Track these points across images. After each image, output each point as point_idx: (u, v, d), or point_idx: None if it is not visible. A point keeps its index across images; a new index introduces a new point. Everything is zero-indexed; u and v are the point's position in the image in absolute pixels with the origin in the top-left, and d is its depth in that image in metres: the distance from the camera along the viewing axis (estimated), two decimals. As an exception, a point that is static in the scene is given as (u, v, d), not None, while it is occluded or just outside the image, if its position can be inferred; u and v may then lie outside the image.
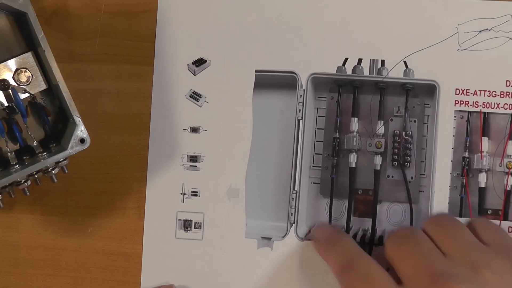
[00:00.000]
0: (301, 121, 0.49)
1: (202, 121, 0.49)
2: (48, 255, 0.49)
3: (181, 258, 0.49)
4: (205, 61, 0.49)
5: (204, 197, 0.49)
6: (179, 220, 0.49)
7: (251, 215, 0.49)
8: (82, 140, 0.42)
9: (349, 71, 0.48)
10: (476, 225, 0.45)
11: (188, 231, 0.49)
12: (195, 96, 0.49)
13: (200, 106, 0.49)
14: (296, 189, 0.49)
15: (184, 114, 0.49)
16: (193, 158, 0.49)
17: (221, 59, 0.49)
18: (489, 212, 0.48)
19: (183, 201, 0.49)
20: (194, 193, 0.49)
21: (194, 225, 0.49)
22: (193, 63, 0.49)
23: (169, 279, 0.49)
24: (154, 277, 0.49)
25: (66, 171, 0.45)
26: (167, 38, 0.49)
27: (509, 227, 0.48)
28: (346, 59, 0.48)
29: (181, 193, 0.49)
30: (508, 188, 0.48)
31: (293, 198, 0.49)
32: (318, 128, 0.49)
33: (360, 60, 0.48)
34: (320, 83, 0.49)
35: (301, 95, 0.49)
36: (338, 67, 0.48)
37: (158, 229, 0.49)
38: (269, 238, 0.49)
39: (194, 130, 0.49)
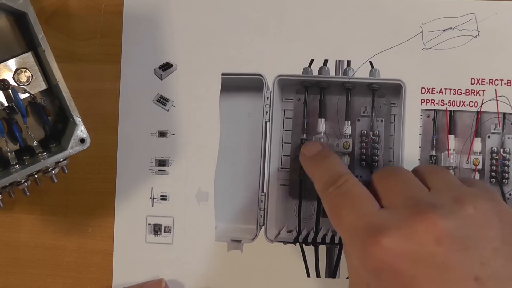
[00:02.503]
0: (268, 123, 0.49)
1: (170, 125, 0.49)
2: (48, 255, 0.49)
3: (151, 263, 0.49)
4: (172, 65, 0.49)
5: (173, 201, 0.49)
6: (148, 224, 0.49)
7: (221, 218, 0.49)
8: (82, 140, 0.42)
9: (315, 72, 0.49)
10: (461, 177, 0.45)
11: (158, 236, 0.49)
12: (162, 101, 0.49)
13: (168, 111, 0.49)
14: (265, 191, 0.49)
15: (152, 119, 0.49)
16: (162, 163, 0.49)
17: (188, 63, 0.49)
18: (457, 210, 0.48)
19: (153, 206, 0.49)
20: (163, 197, 0.49)
21: (164, 229, 0.49)
22: (159, 68, 0.49)
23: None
24: (125, 282, 0.49)
25: (66, 171, 0.45)
26: (133, 42, 0.49)
27: (477, 224, 0.48)
28: (312, 60, 0.49)
29: (150, 198, 0.49)
30: (475, 186, 0.48)
31: (262, 200, 0.49)
32: (285, 130, 0.49)
33: (326, 61, 0.49)
34: (287, 85, 0.49)
35: (268, 97, 0.49)
36: (304, 69, 0.49)
37: (128, 234, 0.49)
38: (239, 241, 0.49)
39: (162, 134, 0.49)
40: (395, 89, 0.48)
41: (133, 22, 0.49)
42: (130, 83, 0.49)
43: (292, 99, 0.49)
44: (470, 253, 0.39)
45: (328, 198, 0.43)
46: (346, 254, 0.43)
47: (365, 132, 0.49)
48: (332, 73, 0.49)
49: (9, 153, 0.43)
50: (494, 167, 0.48)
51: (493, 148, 0.48)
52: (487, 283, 0.38)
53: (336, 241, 0.49)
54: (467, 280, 0.38)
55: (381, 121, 0.49)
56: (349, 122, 0.49)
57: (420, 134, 0.48)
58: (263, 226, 0.49)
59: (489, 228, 0.39)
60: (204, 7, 0.49)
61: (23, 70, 0.43)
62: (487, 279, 0.38)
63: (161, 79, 0.49)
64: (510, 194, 0.48)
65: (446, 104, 0.48)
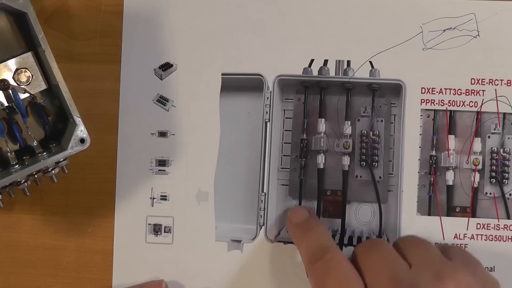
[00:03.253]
0: (268, 123, 0.49)
1: (170, 125, 0.49)
2: (48, 255, 0.50)
3: (151, 263, 0.49)
4: (172, 65, 0.49)
5: (173, 201, 0.49)
6: (149, 224, 0.49)
7: (221, 218, 0.49)
8: (82, 140, 0.42)
9: (315, 73, 0.49)
10: (441, 246, 0.45)
11: (158, 236, 0.49)
12: (162, 101, 0.49)
13: (168, 111, 0.49)
14: (265, 191, 0.49)
15: (152, 119, 0.49)
16: (162, 163, 0.49)
17: (188, 63, 0.49)
18: (457, 210, 0.48)
19: (153, 206, 0.49)
20: (164, 197, 0.49)
21: (164, 229, 0.49)
22: (159, 68, 0.49)
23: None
24: (125, 282, 0.49)
25: (66, 171, 0.45)
26: (133, 42, 0.49)
27: (477, 223, 0.48)
28: (312, 60, 0.49)
29: (150, 198, 0.49)
30: (475, 185, 0.48)
31: (262, 201, 0.49)
32: (285, 130, 0.49)
33: (326, 61, 0.49)
34: (287, 85, 0.49)
35: (268, 97, 0.49)
36: (304, 69, 0.49)
37: (128, 234, 0.49)
38: (239, 241, 0.49)
39: (162, 134, 0.49)
40: (395, 89, 0.48)
41: (133, 22, 0.49)
42: (130, 83, 0.49)
43: (292, 99, 0.49)
44: None
45: (315, 274, 0.43)
46: None
47: (365, 132, 0.49)
48: (332, 73, 0.49)
49: (9, 153, 0.43)
50: (494, 167, 0.48)
51: (493, 148, 0.48)
52: None
53: (336, 240, 0.49)
54: None
55: (381, 121, 0.49)
56: (349, 122, 0.49)
57: (420, 134, 0.48)
58: (263, 226, 0.49)
59: None
60: (204, 7, 0.49)
61: (23, 70, 0.43)
62: None
63: (161, 79, 0.49)
64: (510, 194, 0.48)
65: (446, 104, 0.48)
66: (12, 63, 0.43)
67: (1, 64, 0.43)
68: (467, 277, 0.40)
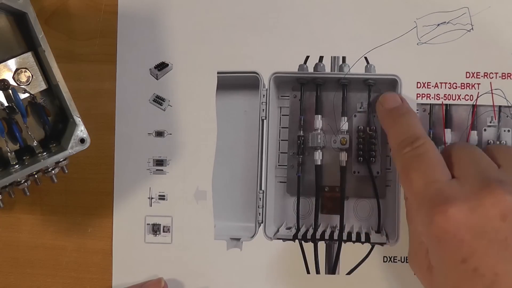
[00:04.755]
0: (265, 120, 0.49)
1: (167, 125, 0.49)
2: (48, 255, 0.49)
3: (151, 262, 0.49)
4: (167, 64, 0.49)
5: (171, 200, 0.49)
6: (147, 224, 0.49)
7: (219, 217, 0.49)
8: (82, 140, 0.42)
9: (310, 69, 0.49)
10: None
11: (157, 235, 0.49)
12: (158, 100, 0.49)
13: (164, 110, 0.49)
14: (263, 189, 0.49)
15: (148, 119, 0.49)
16: (159, 162, 0.49)
17: (183, 62, 0.49)
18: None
19: (151, 205, 0.49)
20: (162, 197, 0.49)
21: (163, 229, 0.49)
22: (155, 67, 0.49)
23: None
24: (125, 282, 0.49)
25: (66, 171, 0.45)
26: (128, 42, 0.49)
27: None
28: (308, 57, 0.49)
29: (149, 198, 0.49)
30: (473, 179, 0.48)
31: (260, 198, 0.49)
32: (282, 127, 0.49)
33: (321, 58, 0.49)
34: (283, 82, 0.49)
35: (264, 95, 0.49)
36: (299, 66, 0.49)
37: (127, 234, 0.49)
38: (238, 239, 0.49)
39: (159, 134, 0.49)
40: (391, 84, 0.49)
41: (128, 22, 0.49)
42: (126, 83, 0.49)
43: (288, 96, 0.49)
44: None
45: (402, 159, 0.43)
46: (409, 219, 0.44)
47: (362, 127, 0.49)
48: (327, 69, 0.49)
49: (9, 153, 0.43)
50: (491, 160, 0.48)
51: (489, 141, 0.48)
52: None
53: (335, 237, 0.49)
54: None
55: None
56: (345, 118, 0.49)
57: (416, 129, 0.48)
58: (261, 224, 0.49)
59: None
60: (199, 6, 0.49)
61: (23, 70, 0.43)
62: None
63: (157, 79, 0.49)
64: None
65: (441, 98, 0.48)
66: (12, 63, 0.43)
67: (1, 64, 0.43)
68: None
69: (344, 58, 0.49)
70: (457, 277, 0.40)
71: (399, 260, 0.48)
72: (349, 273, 0.48)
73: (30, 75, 0.43)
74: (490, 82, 0.48)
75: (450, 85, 0.48)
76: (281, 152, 0.49)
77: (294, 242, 0.49)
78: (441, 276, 0.41)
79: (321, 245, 0.49)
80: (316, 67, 0.49)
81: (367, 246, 0.48)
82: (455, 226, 0.39)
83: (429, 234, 0.41)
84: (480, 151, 0.44)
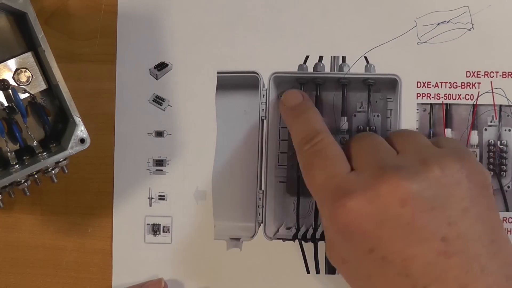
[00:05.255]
0: (265, 120, 0.49)
1: (166, 125, 0.49)
2: (48, 255, 0.49)
3: (151, 263, 0.49)
4: (167, 64, 0.49)
5: (171, 200, 0.49)
6: (147, 224, 0.49)
7: (219, 217, 0.49)
8: (82, 140, 0.42)
9: (310, 69, 0.49)
10: (435, 138, 0.45)
11: (157, 235, 0.49)
12: (158, 100, 0.49)
13: (164, 110, 0.49)
14: (262, 188, 0.49)
15: (148, 119, 0.49)
16: (159, 162, 0.49)
17: (183, 62, 0.49)
18: (456, 203, 0.48)
19: (151, 206, 0.49)
20: (161, 197, 0.49)
21: (163, 229, 0.49)
22: (154, 67, 0.49)
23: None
24: (125, 282, 0.49)
25: (66, 171, 0.45)
26: (128, 42, 0.49)
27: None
28: (307, 57, 0.49)
29: (148, 198, 0.49)
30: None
31: (260, 198, 0.49)
32: (282, 127, 0.49)
33: (321, 58, 0.49)
34: (282, 82, 0.49)
35: (263, 95, 0.49)
36: (299, 65, 0.49)
37: (127, 234, 0.49)
38: (238, 239, 0.49)
39: (159, 134, 0.49)
40: (391, 84, 0.48)
41: (127, 22, 0.49)
42: (126, 83, 0.49)
43: (288, 96, 0.49)
44: (436, 214, 0.39)
45: (303, 156, 0.44)
46: (320, 214, 0.44)
47: (362, 127, 0.49)
48: (327, 69, 0.49)
49: (9, 153, 0.43)
50: (491, 160, 0.48)
51: (490, 141, 0.48)
52: (455, 243, 0.38)
53: (335, 237, 0.49)
54: (433, 241, 0.38)
55: (378, 116, 0.49)
56: (345, 117, 0.49)
57: (416, 128, 0.48)
58: (261, 224, 0.49)
59: (457, 189, 0.40)
60: (198, 6, 0.49)
61: (23, 70, 0.43)
62: (454, 239, 0.38)
63: (157, 79, 0.49)
64: (508, 187, 0.48)
65: (442, 97, 0.48)
66: (12, 63, 0.43)
67: (1, 64, 0.43)
68: (454, 163, 0.40)
69: (343, 58, 0.48)
70: (368, 267, 0.40)
71: (399, 260, 0.48)
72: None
73: (30, 75, 0.43)
74: (491, 81, 0.48)
75: (450, 85, 0.48)
76: (281, 152, 0.49)
77: (294, 242, 0.49)
78: (353, 268, 0.41)
79: (321, 245, 0.49)
80: (315, 67, 0.49)
81: (367, 246, 0.48)
82: (356, 218, 0.39)
83: (333, 229, 0.41)
84: (380, 140, 0.44)
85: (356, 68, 0.48)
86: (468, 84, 0.48)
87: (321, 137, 0.43)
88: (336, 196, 0.40)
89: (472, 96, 0.48)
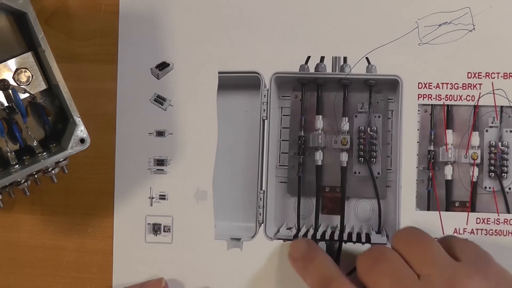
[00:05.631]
0: (266, 120, 0.49)
1: (167, 125, 0.49)
2: (48, 255, 0.50)
3: (151, 262, 0.49)
4: (168, 64, 0.49)
5: (172, 200, 0.49)
6: (148, 224, 0.49)
7: (220, 217, 0.49)
8: (82, 140, 0.42)
9: (312, 69, 0.49)
10: (445, 242, 0.44)
11: (158, 235, 0.49)
12: (159, 100, 0.49)
13: (165, 110, 0.49)
14: (263, 189, 0.49)
15: (149, 118, 0.49)
16: (160, 162, 0.49)
17: (184, 62, 0.49)
18: (456, 205, 0.48)
19: (152, 205, 0.49)
20: (162, 197, 0.49)
21: (163, 229, 0.49)
22: (156, 67, 0.49)
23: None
24: (125, 282, 0.49)
25: (66, 171, 0.45)
26: (129, 42, 0.49)
27: (476, 218, 0.48)
28: (309, 57, 0.49)
29: (149, 197, 0.49)
30: (474, 180, 0.48)
31: (260, 198, 0.49)
32: (283, 127, 0.49)
33: (322, 58, 0.49)
34: (284, 82, 0.49)
35: (265, 95, 0.49)
36: (301, 66, 0.49)
37: (127, 234, 0.49)
38: (239, 239, 0.49)
39: (160, 133, 0.49)
40: (392, 85, 0.48)
41: (129, 22, 0.49)
42: (127, 83, 0.49)
43: (289, 96, 0.49)
44: None
45: None
46: None
47: (363, 128, 0.49)
48: (328, 69, 0.49)
49: (9, 153, 0.43)
50: (492, 161, 0.48)
51: (491, 142, 0.48)
52: None
53: (336, 237, 0.48)
54: None
55: (379, 116, 0.49)
56: (346, 118, 0.49)
57: (418, 129, 0.48)
58: (262, 224, 0.49)
59: None
60: (200, 6, 0.49)
61: (23, 70, 0.43)
62: None
63: (158, 79, 0.49)
64: (509, 188, 0.48)
65: (443, 98, 0.48)
66: (12, 63, 0.43)
67: (1, 64, 0.43)
68: (481, 281, 0.39)
69: (345, 59, 0.48)
70: None
71: (400, 261, 0.48)
72: (349, 273, 0.48)
73: (30, 75, 0.43)
74: (492, 83, 0.48)
75: (451, 86, 0.48)
76: (282, 152, 0.49)
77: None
78: None
79: (321, 246, 0.49)
80: (317, 67, 0.49)
81: (368, 246, 0.48)
82: None
83: None
84: (394, 261, 0.42)
85: (357, 68, 0.48)
86: (470, 85, 0.48)
87: (337, 282, 0.43)
88: None
89: (473, 97, 0.48)
